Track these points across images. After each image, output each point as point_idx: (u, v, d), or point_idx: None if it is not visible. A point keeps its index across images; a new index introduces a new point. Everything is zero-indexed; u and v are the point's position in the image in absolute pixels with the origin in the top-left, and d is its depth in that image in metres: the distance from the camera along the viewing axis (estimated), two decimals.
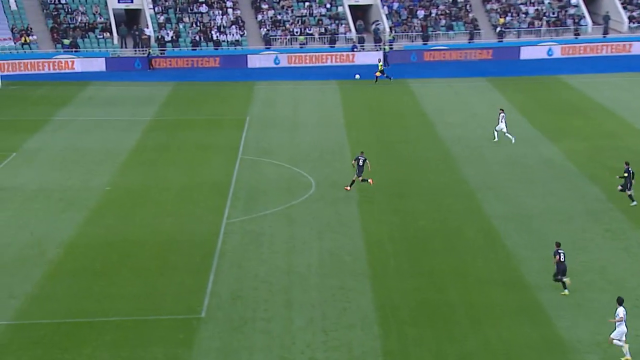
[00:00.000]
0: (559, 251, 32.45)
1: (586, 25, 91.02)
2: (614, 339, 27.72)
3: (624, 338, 27.64)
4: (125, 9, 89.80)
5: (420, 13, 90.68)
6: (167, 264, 35.56)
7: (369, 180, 44.03)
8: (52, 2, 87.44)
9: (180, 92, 71.66)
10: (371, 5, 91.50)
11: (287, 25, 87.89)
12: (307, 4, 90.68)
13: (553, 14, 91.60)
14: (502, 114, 53.79)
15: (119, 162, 50.35)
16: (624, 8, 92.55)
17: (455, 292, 32.81)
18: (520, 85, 73.45)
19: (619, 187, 42.09)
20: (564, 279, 32.42)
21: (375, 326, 30.07)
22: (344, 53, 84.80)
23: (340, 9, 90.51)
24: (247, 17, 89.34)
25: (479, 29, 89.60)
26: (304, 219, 40.63)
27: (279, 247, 37.20)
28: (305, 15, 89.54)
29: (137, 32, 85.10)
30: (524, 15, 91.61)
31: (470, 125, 58.19)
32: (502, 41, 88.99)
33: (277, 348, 28.68)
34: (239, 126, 58.99)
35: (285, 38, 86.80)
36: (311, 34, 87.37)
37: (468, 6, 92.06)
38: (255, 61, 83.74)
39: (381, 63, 75.20)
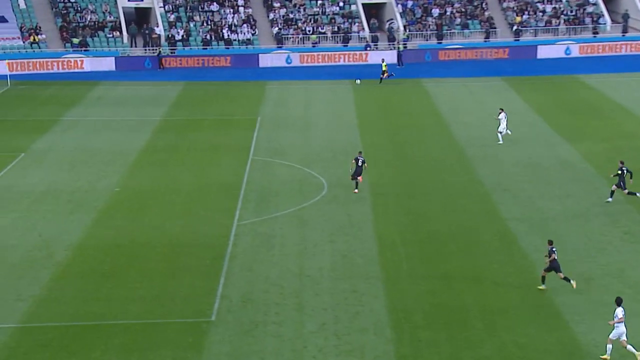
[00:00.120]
0: (553, 249, 32.50)
1: (605, 23, 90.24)
2: (612, 340, 27.72)
3: (623, 338, 27.63)
4: (135, 8, 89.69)
5: (435, 11, 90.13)
6: (177, 266, 35.40)
7: (359, 178, 44.18)
8: (61, 0, 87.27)
9: (191, 92, 71.54)
10: (385, 3, 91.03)
11: (299, 24, 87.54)
12: (319, 2, 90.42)
13: (571, 12, 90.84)
14: (502, 114, 53.29)
15: (128, 163, 50.21)
16: None
17: (470, 295, 32.54)
18: (537, 85, 72.98)
19: (613, 187, 42.03)
20: (571, 281, 32.40)
21: (388, 330, 29.83)
22: (357, 52, 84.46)
23: (353, 7, 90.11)
24: (259, 16, 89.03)
25: (495, 28, 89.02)
26: (315, 220, 40.40)
27: (290, 250, 36.98)
28: (318, 14, 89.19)
29: (147, 31, 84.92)
30: (541, 14, 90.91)
31: (486, 126, 57.64)
32: (518, 40, 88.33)
33: (288, 352, 28.46)
34: (250, 126, 58.76)
35: (298, 37, 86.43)
36: (324, 33, 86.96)
37: (484, 4, 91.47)
38: (266, 60, 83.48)
39: (384, 63, 74.51)
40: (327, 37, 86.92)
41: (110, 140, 55.34)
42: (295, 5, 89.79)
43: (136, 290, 33.12)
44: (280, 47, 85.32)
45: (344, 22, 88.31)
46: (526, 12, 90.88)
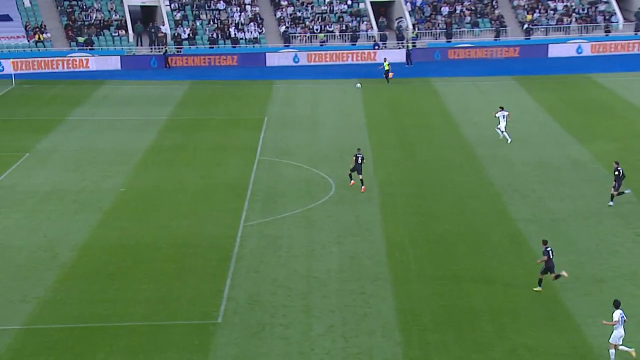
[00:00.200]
0: (548, 249, 32.30)
1: (617, 22, 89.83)
2: (612, 344, 27.50)
3: (620, 342, 27.40)
4: (141, 6, 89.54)
5: (445, 10, 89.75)
6: (183, 267, 35.19)
7: (360, 176, 44.25)
8: None
9: (197, 91, 71.43)
10: (394, 1, 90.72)
11: (307, 23, 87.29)
12: (327, 0, 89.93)
13: (583, 10, 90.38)
14: (502, 112, 52.89)
15: (133, 162, 50.00)
16: None
17: (479, 297, 32.26)
18: (548, 84, 72.71)
19: (613, 191, 41.67)
20: (563, 273, 32.30)
21: (396, 332, 29.59)
22: (366, 51, 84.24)
23: (361, 5, 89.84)
24: (266, 14, 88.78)
25: (505, 26, 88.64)
26: (323, 221, 40.14)
27: (297, 251, 36.71)
28: (326, 12, 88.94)
29: (153, 30, 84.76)
30: (552, 12, 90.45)
31: (496, 126, 57.23)
32: (529, 38, 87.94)
33: (295, 355, 28.26)
34: (256, 126, 58.54)
35: (305, 35, 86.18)
36: (331, 32, 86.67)
37: (494, 2, 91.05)
38: (273, 59, 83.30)
39: (387, 62, 74.08)
40: (335, 35, 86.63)
41: (115, 140, 55.17)
42: (302, 4, 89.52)
43: (142, 291, 32.91)
44: (288, 45, 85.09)
45: (352, 21, 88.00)
46: (537, 11, 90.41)
